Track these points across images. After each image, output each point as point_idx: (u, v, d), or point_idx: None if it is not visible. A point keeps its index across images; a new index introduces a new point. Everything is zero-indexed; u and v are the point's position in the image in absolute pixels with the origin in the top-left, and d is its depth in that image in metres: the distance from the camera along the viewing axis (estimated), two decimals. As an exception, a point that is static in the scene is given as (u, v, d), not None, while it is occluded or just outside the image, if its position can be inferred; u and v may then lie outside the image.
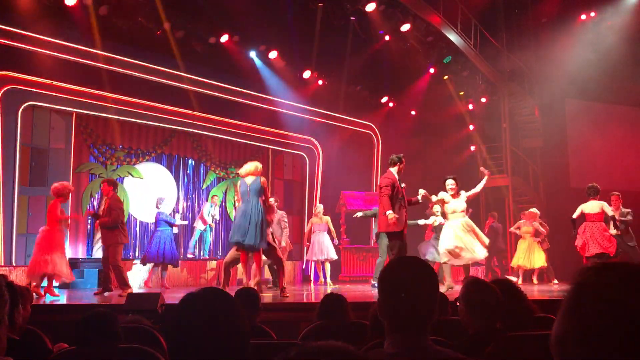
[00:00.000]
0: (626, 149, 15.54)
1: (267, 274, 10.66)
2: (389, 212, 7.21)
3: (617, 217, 9.33)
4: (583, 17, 15.45)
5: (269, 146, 13.77)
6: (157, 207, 10.12)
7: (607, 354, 0.78)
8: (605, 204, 9.20)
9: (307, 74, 13.29)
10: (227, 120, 12.67)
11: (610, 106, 16.00)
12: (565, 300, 0.87)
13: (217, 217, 12.12)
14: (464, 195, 8.26)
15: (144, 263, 10.08)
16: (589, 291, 0.84)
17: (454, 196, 8.23)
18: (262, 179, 7.47)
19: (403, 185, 7.61)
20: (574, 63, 14.79)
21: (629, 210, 9.59)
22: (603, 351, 0.79)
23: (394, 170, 7.57)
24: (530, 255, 11.21)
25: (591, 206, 9.22)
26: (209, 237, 12.18)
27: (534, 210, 11.77)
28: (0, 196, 9.53)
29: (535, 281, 11.40)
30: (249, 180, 7.42)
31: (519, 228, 11.69)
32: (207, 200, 12.39)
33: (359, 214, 10.35)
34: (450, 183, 8.29)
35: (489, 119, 15.99)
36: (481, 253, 8.04)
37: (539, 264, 11.19)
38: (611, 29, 14.82)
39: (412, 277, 1.67)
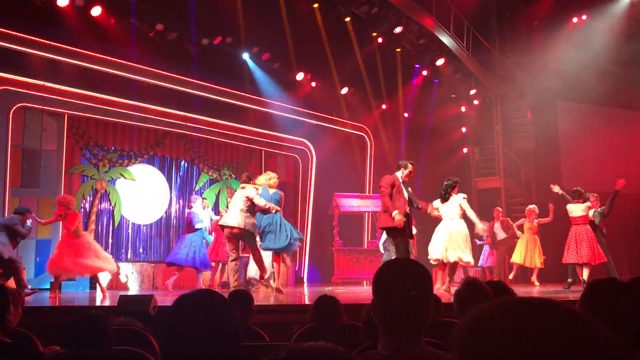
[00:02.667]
0: (617, 150, 15.64)
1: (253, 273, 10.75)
2: (395, 213, 7.17)
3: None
4: (575, 19, 15.55)
5: (262, 148, 13.76)
6: (190, 207, 9.82)
7: None
8: (589, 206, 9.14)
9: (300, 76, 13.30)
10: (219, 121, 12.64)
11: (601, 108, 16.10)
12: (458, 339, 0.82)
13: (214, 216, 11.75)
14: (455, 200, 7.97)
15: (170, 265, 9.52)
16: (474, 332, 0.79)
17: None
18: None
19: (409, 189, 7.60)
20: (566, 65, 14.88)
21: (602, 209, 9.56)
22: None
23: (398, 173, 7.48)
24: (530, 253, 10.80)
25: (574, 208, 9.16)
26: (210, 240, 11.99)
27: (533, 207, 11.17)
28: (-9, 198, 9.48)
29: (536, 282, 10.83)
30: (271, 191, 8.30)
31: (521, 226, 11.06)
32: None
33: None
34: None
35: (481, 121, 16.04)
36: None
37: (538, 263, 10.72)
38: (602, 32, 14.92)
39: (406, 279, 1.67)
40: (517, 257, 10.73)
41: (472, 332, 0.79)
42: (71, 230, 8.21)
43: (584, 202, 9.23)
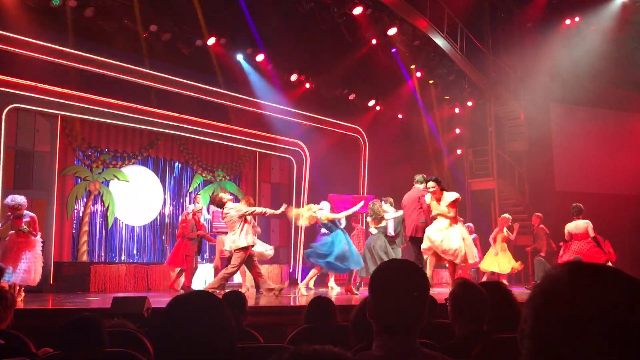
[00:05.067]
0: (610, 152, 15.71)
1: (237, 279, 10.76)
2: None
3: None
4: (567, 21, 15.62)
5: (256, 149, 13.75)
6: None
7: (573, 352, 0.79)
8: (590, 224, 8.96)
9: (294, 77, 13.30)
10: (213, 123, 12.63)
11: (594, 110, 16.17)
12: (535, 295, 0.87)
13: (208, 215, 11.66)
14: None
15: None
16: (560, 288, 0.84)
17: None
18: None
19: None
20: (559, 67, 14.95)
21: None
22: (570, 349, 0.80)
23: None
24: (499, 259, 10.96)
25: (576, 225, 9.05)
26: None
27: (506, 215, 11.43)
28: (-17, 199, 9.41)
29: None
30: None
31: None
32: (189, 203, 12.30)
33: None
34: (429, 185, 8.01)
35: (475, 122, 16.09)
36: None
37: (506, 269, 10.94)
38: (595, 34, 15.00)
39: (403, 280, 1.67)
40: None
41: (546, 300, 0.85)
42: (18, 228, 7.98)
43: (583, 218, 9.12)
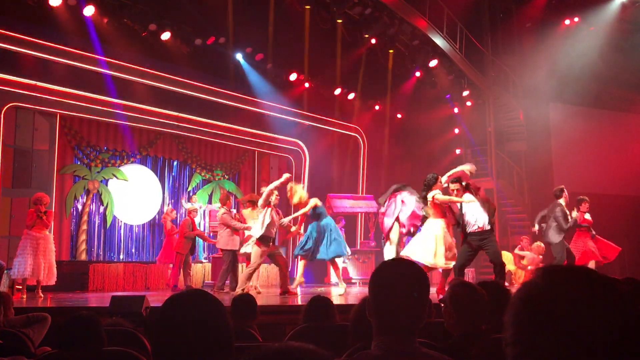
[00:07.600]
0: (609, 152, 15.71)
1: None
2: None
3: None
4: (567, 22, 15.62)
5: (255, 148, 13.74)
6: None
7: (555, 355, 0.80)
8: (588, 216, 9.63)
9: (293, 77, 13.29)
10: (212, 122, 12.62)
11: (593, 110, 16.17)
12: (513, 302, 0.89)
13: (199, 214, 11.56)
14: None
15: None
16: (535, 294, 0.85)
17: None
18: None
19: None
20: (558, 67, 14.94)
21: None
22: (551, 352, 0.80)
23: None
24: None
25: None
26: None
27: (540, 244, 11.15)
28: (-18, 198, 9.42)
29: None
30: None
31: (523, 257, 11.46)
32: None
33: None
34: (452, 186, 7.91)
35: (474, 122, 16.08)
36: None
37: None
38: (594, 34, 15.00)
39: (403, 279, 1.67)
40: None
41: (527, 305, 0.86)
42: (49, 227, 8.40)
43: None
